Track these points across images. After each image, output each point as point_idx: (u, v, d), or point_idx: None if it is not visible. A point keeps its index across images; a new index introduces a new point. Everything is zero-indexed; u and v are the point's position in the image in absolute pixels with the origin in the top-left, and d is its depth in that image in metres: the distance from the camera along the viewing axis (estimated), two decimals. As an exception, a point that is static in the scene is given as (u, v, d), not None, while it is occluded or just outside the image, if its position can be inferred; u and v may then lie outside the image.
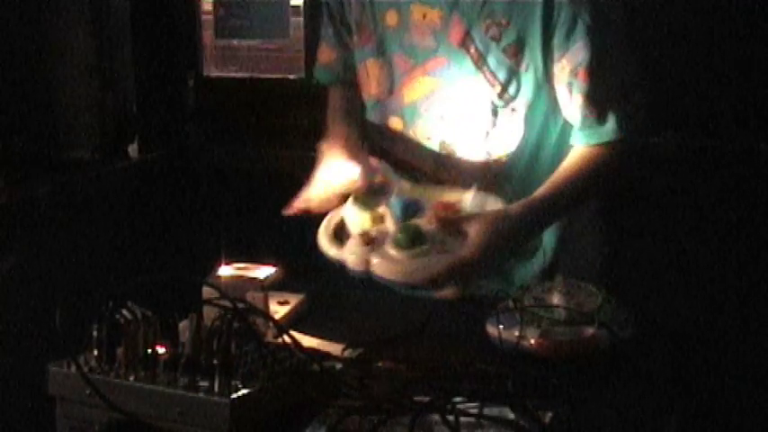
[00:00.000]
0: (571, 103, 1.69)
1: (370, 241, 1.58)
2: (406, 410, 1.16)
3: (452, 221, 1.56)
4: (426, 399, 1.19)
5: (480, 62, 1.71)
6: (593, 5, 1.65)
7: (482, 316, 1.47)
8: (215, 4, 3.14)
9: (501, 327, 1.42)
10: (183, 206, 3.10)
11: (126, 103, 3.10)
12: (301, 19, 3.06)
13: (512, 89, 1.72)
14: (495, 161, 1.75)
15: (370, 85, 1.86)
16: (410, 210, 1.63)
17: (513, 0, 1.67)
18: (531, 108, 1.73)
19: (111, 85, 3.04)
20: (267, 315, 1.36)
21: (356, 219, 1.66)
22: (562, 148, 1.74)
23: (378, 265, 1.54)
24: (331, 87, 1.99)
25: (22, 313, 1.60)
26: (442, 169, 1.78)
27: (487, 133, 1.75)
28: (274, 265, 1.54)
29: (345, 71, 1.94)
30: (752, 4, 2.79)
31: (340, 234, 1.66)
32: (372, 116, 1.88)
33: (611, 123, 1.67)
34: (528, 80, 1.71)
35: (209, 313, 1.19)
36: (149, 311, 1.18)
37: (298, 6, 3.06)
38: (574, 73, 1.67)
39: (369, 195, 1.68)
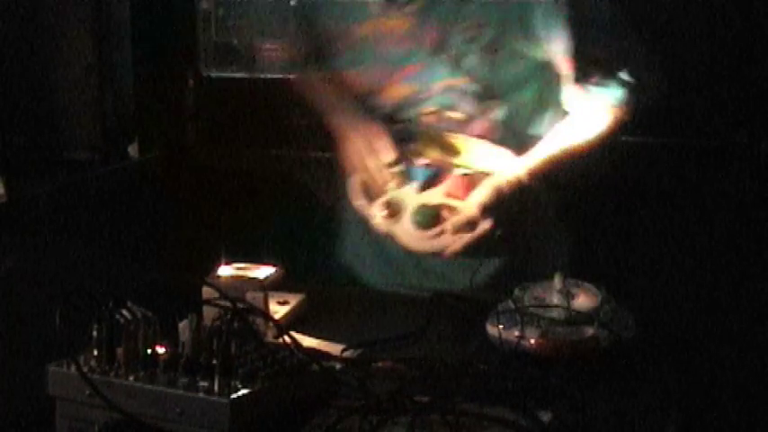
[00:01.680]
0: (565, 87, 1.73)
1: (393, 213, 1.73)
2: (406, 410, 1.16)
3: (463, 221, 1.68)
4: (426, 399, 1.19)
5: (458, 63, 1.72)
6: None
7: (482, 316, 1.47)
8: (215, 4, 3.14)
9: (501, 327, 1.42)
10: (182, 206, 3.10)
11: (126, 103, 3.10)
12: (301, 19, 3.06)
13: (494, 85, 1.74)
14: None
15: (349, 92, 1.87)
16: (429, 179, 1.75)
17: (489, 0, 1.70)
18: (516, 100, 1.76)
19: (111, 85, 3.04)
20: (267, 315, 1.36)
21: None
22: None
23: (397, 236, 1.73)
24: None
25: (22, 313, 1.60)
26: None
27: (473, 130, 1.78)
28: (274, 265, 1.54)
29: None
30: (751, 4, 2.79)
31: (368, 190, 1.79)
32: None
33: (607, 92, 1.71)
34: (510, 74, 1.72)
35: (210, 313, 1.19)
36: (149, 311, 1.18)
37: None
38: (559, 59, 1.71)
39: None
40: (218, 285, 1.28)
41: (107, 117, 3.03)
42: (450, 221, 1.69)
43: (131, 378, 1.16)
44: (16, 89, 2.92)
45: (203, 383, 1.13)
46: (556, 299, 1.43)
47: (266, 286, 1.48)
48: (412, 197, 1.74)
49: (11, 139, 2.84)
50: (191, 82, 3.20)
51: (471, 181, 1.71)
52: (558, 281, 1.45)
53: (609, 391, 1.31)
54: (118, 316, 1.17)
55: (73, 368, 1.17)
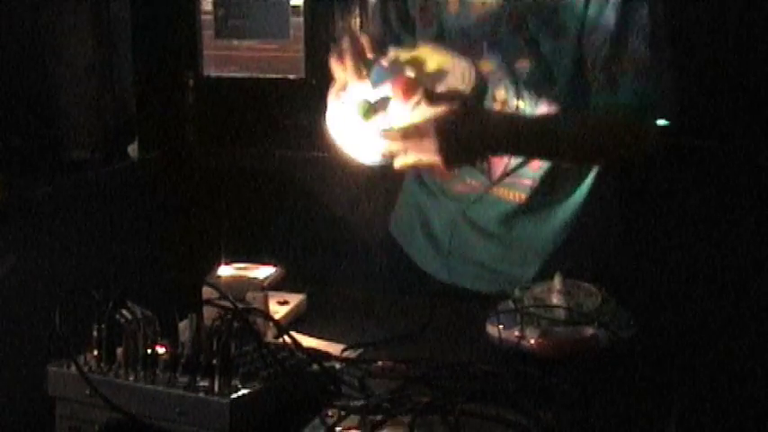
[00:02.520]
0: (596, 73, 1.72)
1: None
2: (406, 410, 1.16)
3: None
4: (426, 399, 1.19)
5: (531, 47, 1.73)
6: None
7: (482, 316, 1.47)
8: (215, 4, 3.14)
9: (501, 327, 1.42)
10: (182, 206, 3.10)
11: (126, 103, 3.09)
12: (301, 19, 3.06)
13: (553, 66, 1.73)
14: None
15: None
16: (382, 77, 1.61)
17: None
18: (570, 87, 1.75)
19: (111, 85, 3.04)
20: (267, 315, 1.36)
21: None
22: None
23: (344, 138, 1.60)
24: None
25: (22, 313, 1.60)
26: None
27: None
28: (274, 265, 1.54)
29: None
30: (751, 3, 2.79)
31: None
32: None
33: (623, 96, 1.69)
34: (566, 60, 1.73)
35: (210, 313, 1.19)
36: (149, 311, 1.18)
37: (298, 6, 3.06)
38: (598, 47, 1.70)
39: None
40: (218, 285, 1.28)
41: (107, 117, 3.03)
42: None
43: (131, 378, 1.16)
44: (16, 89, 2.92)
45: (203, 383, 1.13)
46: (556, 299, 1.43)
47: (266, 286, 1.48)
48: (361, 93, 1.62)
49: (11, 139, 2.84)
50: (191, 82, 3.20)
51: (414, 84, 1.59)
52: (558, 281, 1.45)
53: (609, 391, 1.31)
54: (118, 316, 1.18)
55: (73, 368, 1.17)
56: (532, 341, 1.38)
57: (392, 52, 1.64)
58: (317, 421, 1.16)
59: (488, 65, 1.77)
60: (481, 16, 1.78)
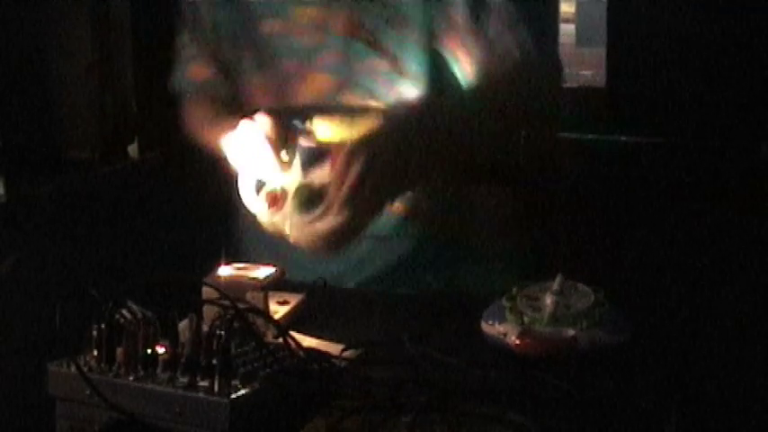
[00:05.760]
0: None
1: (274, 202, 1.50)
2: (406, 410, 1.16)
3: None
4: (426, 399, 1.20)
5: (373, 43, 1.71)
6: None
7: (481, 315, 1.47)
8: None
9: (489, 323, 1.42)
10: (183, 206, 3.10)
11: (126, 103, 3.09)
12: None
13: (404, 58, 1.71)
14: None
15: (255, 99, 1.82)
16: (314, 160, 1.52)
17: None
18: (424, 71, 1.72)
19: (111, 85, 3.04)
20: (267, 315, 1.36)
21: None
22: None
23: (280, 227, 1.49)
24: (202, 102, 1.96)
25: (22, 313, 1.60)
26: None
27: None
28: (274, 266, 1.53)
29: (223, 86, 1.91)
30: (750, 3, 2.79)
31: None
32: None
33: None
34: (417, 45, 1.70)
35: (209, 313, 1.19)
36: (149, 311, 1.19)
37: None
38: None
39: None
40: (218, 285, 1.28)
41: (107, 117, 3.03)
42: (334, 196, 1.44)
43: (131, 378, 1.16)
44: (16, 89, 2.92)
45: (203, 383, 1.14)
46: (549, 299, 1.43)
47: (266, 286, 1.48)
48: (293, 182, 1.52)
49: (11, 139, 2.84)
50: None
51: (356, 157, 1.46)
52: (557, 281, 1.45)
53: (608, 391, 1.31)
54: (118, 316, 1.18)
55: (73, 368, 1.17)
56: (513, 338, 1.38)
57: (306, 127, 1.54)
58: (317, 421, 1.16)
59: (325, 78, 1.75)
60: (304, 29, 1.75)
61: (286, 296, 1.59)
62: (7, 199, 2.52)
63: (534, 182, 1.89)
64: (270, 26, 1.79)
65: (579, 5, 3.25)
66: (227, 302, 1.19)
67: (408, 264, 1.93)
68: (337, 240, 1.45)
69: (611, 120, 3.07)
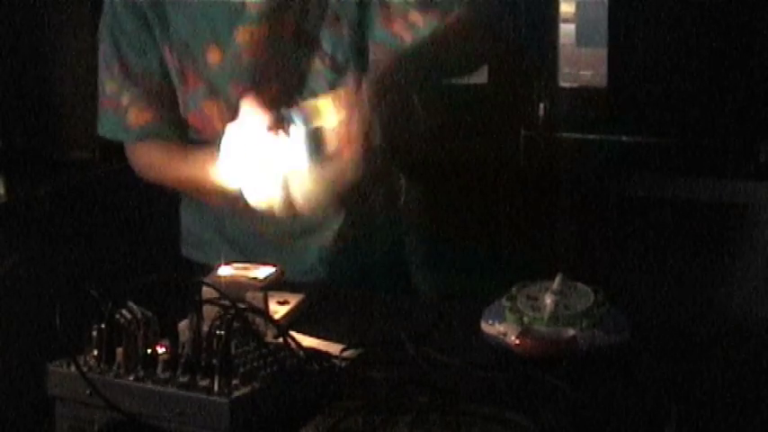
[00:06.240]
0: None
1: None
2: (406, 410, 1.16)
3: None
4: (426, 399, 1.20)
5: (315, 48, 1.73)
6: None
7: (481, 315, 1.47)
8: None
9: (489, 323, 1.42)
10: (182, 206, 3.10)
11: (126, 103, 3.08)
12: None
13: (339, 57, 1.73)
14: None
15: (213, 126, 1.80)
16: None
17: None
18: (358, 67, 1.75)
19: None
20: (267, 315, 1.36)
21: None
22: None
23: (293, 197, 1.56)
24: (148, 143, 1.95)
25: (22, 313, 1.60)
26: None
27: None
28: (274, 265, 1.54)
29: (168, 126, 1.89)
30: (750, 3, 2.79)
31: None
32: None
33: None
34: (351, 43, 1.73)
35: (209, 313, 1.19)
36: (149, 311, 1.19)
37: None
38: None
39: None
40: (218, 285, 1.28)
41: (107, 117, 3.02)
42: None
43: (131, 378, 1.16)
44: (16, 89, 2.93)
45: (203, 383, 1.14)
46: (549, 299, 1.43)
47: (266, 286, 1.48)
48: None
49: (11, 139, 2.84)
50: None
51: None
52: (557, 281, 1.45)
53: (609, 391, 1.31)
54: (118, 316, 1.18)
55: (73, 368, 1.17)
56: (513, 338, 1.38)
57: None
58: (316, 421, 1.16)
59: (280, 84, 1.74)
60: (251, 50, 1.74)
61: (286, 296, 1.59)
62: (7, 199, 2.53)
63: (534, 182, 1.89)
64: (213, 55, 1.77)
65: (579, 5, 3.25)
66: (227, 302, 1.19)
67: (408, 264, 1.94)
68: (340, 185, 1.55)
69: (611, 120, 3.07)
